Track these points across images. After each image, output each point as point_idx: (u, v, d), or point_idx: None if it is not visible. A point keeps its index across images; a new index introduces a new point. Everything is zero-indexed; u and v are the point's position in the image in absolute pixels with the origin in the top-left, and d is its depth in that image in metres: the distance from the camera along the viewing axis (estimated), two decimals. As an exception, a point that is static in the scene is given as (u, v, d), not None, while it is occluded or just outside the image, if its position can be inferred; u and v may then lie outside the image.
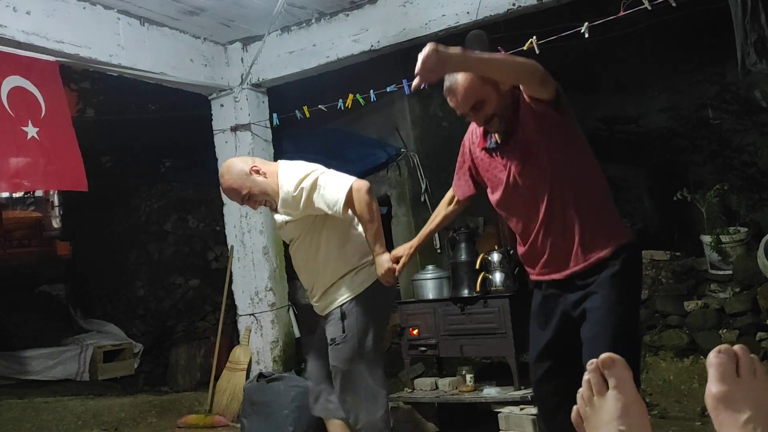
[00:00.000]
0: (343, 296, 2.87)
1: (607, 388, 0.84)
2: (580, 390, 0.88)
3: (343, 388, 2.87)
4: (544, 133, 2.26)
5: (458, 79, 2.25)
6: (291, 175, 2.84)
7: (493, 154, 2.40)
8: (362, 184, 2.77)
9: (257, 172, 2.87)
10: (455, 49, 1.95)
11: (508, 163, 2.34)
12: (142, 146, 7.03)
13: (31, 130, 3.79)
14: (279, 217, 2.96)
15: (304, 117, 4.73)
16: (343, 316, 2.84)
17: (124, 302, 6.80)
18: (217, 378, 4.96)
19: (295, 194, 2.78)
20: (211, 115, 5.14)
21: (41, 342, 6.25)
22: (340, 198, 2.71)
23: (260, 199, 2.87)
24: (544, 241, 2.33)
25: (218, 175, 3.04)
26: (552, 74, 2.20)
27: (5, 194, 13.21)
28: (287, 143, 5.92)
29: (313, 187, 2.76)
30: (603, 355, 0.86)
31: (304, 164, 2.93)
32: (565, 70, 5.81)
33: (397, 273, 2.76)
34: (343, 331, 2.82)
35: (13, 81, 3.72)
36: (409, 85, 4.22)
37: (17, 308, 6.86)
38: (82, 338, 6.39)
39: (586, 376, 0.87)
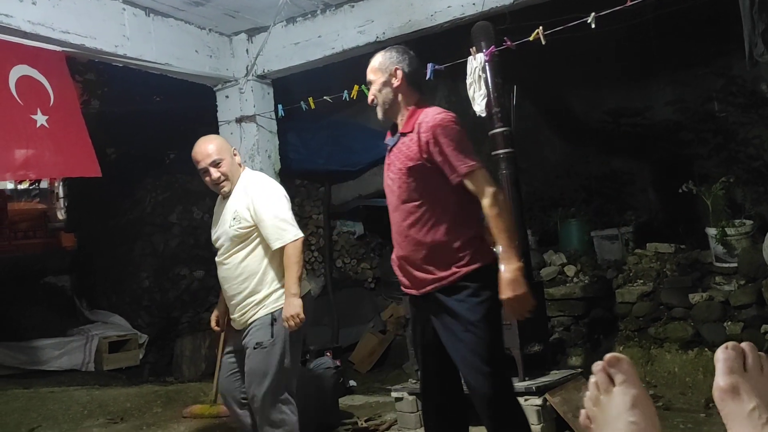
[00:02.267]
0: (275, 304, 2.96)
1: (614, 385, 0.87)
2: (587, 393, 0.89)
3: (265, 394, 2.90)
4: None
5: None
6: (266, 182, 3.14)
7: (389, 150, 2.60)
8: (300, 241, 2.97)
9: (236, 155, 3.12)
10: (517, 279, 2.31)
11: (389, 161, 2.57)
12: (147, 138, 7.04)
13: (40, 119, 3.80)
14: (226, 215, 3.04)
15: (309, 108, 4.73)
16: (273, 321, 2.93)
17: (129, 293, 6.82)
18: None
19: (263, 202, 2.96)
20: (216, 106, 5.15)
21: (47, 332, 6.28)
22: (284, 239, 2.93)
23: (223, 175, 3.01)
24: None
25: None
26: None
27: (11, 186, 13.26)
28: (292, 135, 5.93)
29: (277, 209, 2.99)
30: (608, 355, 0.88)
31: (273, 181, 3.24)
32: (572, 62, 5.85)
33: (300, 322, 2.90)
34: (272, 336, 2.91)
35: (21, 70, 3.73)
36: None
37: (23, 299, 6.90)
38: (88, 329, 6.41)
39: (592, 379, 0.89)
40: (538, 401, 3.59)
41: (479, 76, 3.83)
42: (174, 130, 6.69)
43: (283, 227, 2.95)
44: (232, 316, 3.09)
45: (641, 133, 6.13)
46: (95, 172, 4.08)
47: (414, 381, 4.17)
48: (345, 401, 4.64)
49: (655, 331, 4.66)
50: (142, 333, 6.46)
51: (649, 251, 5.21)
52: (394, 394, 4.14)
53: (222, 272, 3.06)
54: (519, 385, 3.69)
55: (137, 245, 6.88)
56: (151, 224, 6.86)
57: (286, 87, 5.26)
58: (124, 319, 6.64)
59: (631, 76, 6.21)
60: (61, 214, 11.28)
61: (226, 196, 3.06)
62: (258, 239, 2.98)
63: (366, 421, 4.20)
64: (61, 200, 11.34)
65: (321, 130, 6.23)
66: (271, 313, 2.95)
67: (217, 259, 3.10)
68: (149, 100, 7.20)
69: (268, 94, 5.16)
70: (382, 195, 6.66)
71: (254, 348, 2.92)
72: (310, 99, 4.68)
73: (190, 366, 6.05)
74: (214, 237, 3.13)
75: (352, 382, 5.11)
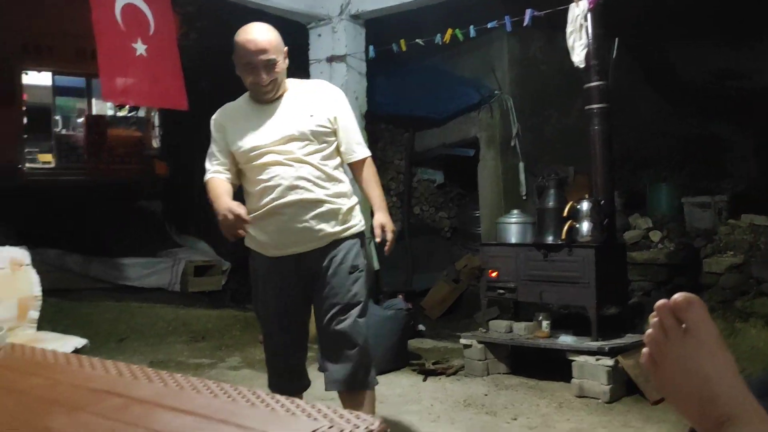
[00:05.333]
0: (361, 223, 2.56)
1: (683, 329, 0.77)
2: (650, 333, 0.80)
3: (355, 324, 2.47)
4: None
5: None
6: (338, 88, 2.63)
7: None
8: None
9: (287, 57, 2.50)
10: None
11: None
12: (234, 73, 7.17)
13: (140, 48, 3.95)
14: (291, 113, 2.46)
15: (399, 51, 4.69)
16: (362, 243, 2.54)
17: (216, 222, 7.09)
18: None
19: (347, 108, 2.56)
20: (308, 44, 5.18)
21: (138, 252, 6.66)
22: (367, 151, 2.60)
23: (278, 74, 2.42)
24: None
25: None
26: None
27: (110, 113, 13.93)
28: (381, 78, 5.90)
29: (355, 119, 2.61)
30: (678, 296, 0.78)
31: None
32: (677, 18, 5.52)
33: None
34: (365, 259, 2.55)
35: (126, -1, 3.87)
36: (512, 22, 4.13)
37: (118, 220, 7.32)
38: (175, 252, 6.75)
39: (655, 319, 0.80)
40: (610, 362, 3.55)
41: (581, 25, 3.69)
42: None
43: (362, 140, 2.61)
44: (279, 234, 2.44)
45: (746, 97, 5.76)
46: (183, 106, 4.23)
47: (484, 330, 4.20)
48: (413, 343, 4.73)
49: (742, 305, 4.48)
50: (226, 261, 6.73)
51: (743, 222, 4.97)
52: (463, 341, 4.18)
53: (282, 175, 2.39)
54: (591, 344, 3.66)
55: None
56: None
57: (378, 29, 5.22)
58: (210, 246, 6.92)
59: (740, 36, 5.80)
60: (155, 143, 11.75)
61: (266, 102, 2.47)
62: (330, 146, 2.48)
63: (434, 363, 4.27)
64: (156, 129, 11.79)
65: (409, 75, 6.16)
66: (361, 232, 2.54)
67: (266, 161, 2.42)
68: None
69: (360, 34, 5.14)
70: (465, 144, 6.58)
71: (350, 273, 2.46)
72: (402, 41, 4.64)
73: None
74: (255, 142, 2.43)
75: (421, 327, 5.19)
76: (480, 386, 3.87)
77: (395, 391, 3.79)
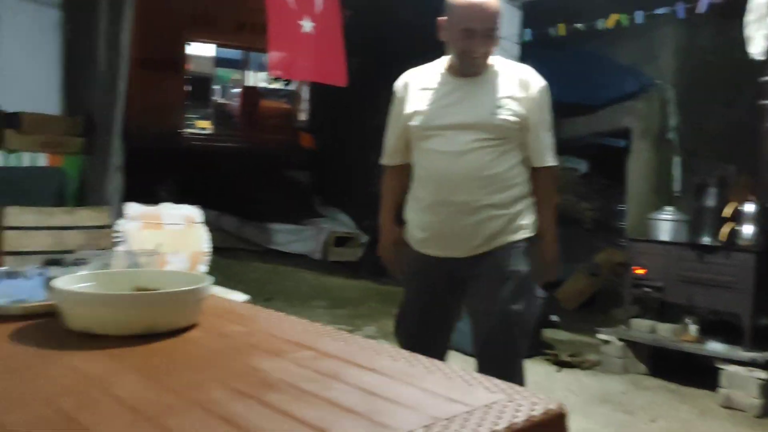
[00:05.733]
0: (530, 229, 2.24)
1: None
2: None
3: (513, 339, 2.20)
4: None
5: None
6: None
7: None
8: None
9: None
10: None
11: None
12: (389, 50, 7.32)
13: (307, 25, 4.16)
14: (480, 97, 2.17)
15: (556, 36, 4.59)
16: (527, 250, 2.21)
17: (358, 196, 7.35)
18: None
19: (547, 106, 2.26)
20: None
21: (285, 219, 7.06)
22: (554, 159, 2.26)
23: (493, 48, 2.17)
24: None
25: None
26: None
27: (263, 85, 14.71)
28: (533, 62, 5.81)
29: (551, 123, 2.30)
30: None
31: None
32: None
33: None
34: (527, 265, 2.20)
35: (297, -23, 4.08)
36: (686, 9, 3.92)
37: (267, 187, 7.79)
38: (319, 222, 7.09)
39: None
40: (763, 375, 3.35)
41: (764, 14, 3.44)
42: (417, 45, 6.88)
43: (552, 147, 2.26)
44: (433, 234, 2.21)
45: None
46: (342, 82, 4.42)
47: (625, 328, 4.09)
48: (547, 333, 4.69)
49: None
50: (365, 234, 6.97)
51: None
52: (601, 337, 4.10)
53: (447, 167, 2.15)
54: (743, 354, 3.46)
55: (372, 154, 7.30)
56: (387, 134, 7.24)
57: (535, 12, 5.13)
58: (350, 218, 7.19)
59: None
60: (303, 116, 12.27)
61: (465, 75, 2.20)
62: (513, 144, 2.17)
63: (569, 356, 4.22)
64: (305, 102, 12.30)
65: (563, 60, 6.01)
66: (529, 238, 2.22)
67: (434, 147, 2.18)
68: (395, 14, 7.43)
69: (516, 17, 5.08)
70: (615, 134, 6.32)
71: (507, 279, 2.15)
72: (561, 26, 4.54)
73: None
74: (435, 121, 2.18)
75: (554, 317, 5.12)
76: (617, 384, 3.79)
77: (528, 378, 3.79)
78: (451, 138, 2.15)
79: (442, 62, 2.26)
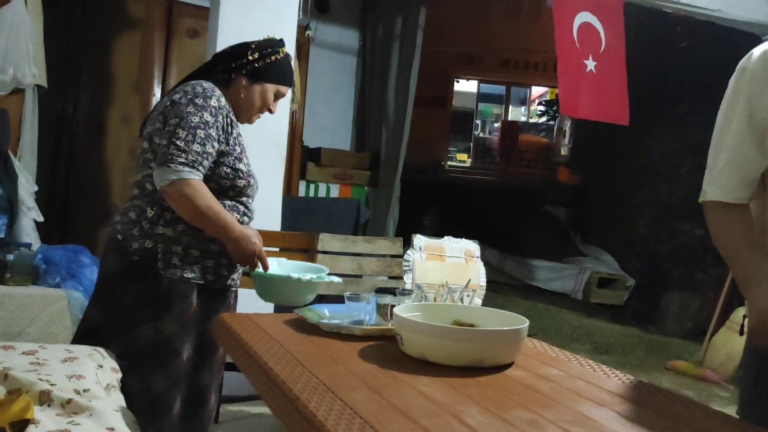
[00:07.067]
0: None
1: None
2: None
3: None
4: None
5: None
6: None
7: None
8: None
9: None
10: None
11: None
12: (662, 86, 6.93)
13: (590, 64, 4.12)
14: None
15: None
16: None
17: (623, 236, 7.02)
18: (713, 333, 4.80)
19: None
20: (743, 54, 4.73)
21: (545, 255, 6.98)
22: None
23: None
24: None
25: None
26: None
27: (523, 119, 14.84)
28: None
29: None
30: None
31: None
32: None
33: None
34: None
35: (583, 17, 4.08)
36: None
37: (525, 221, 7.79)
38: (581, 260, 6.89)
39: None
40: None
41: None
42: (694, 80, 6.42)
43: None
44: None
45: None
46: (624, 121, 4.28)
47: None
48: None
49: None
50: (630, 276, 6.62)
51: None
52: None
53: None
54: None
55: (640, 192, 6.96)
56: (657, 173, 6.84)
57: None
58: (614, 259, 6.88)
59: None
60: (563, 151, 12.11)
61: None
62: None
63: None
64: (566, 138, 12.14)
65: None
66: None
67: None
68: (672, 46, 7.02)
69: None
70: None
71: None
72: None
73: (675, 321, 5.98)
74: None
75: None
76: None
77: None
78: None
79: None
